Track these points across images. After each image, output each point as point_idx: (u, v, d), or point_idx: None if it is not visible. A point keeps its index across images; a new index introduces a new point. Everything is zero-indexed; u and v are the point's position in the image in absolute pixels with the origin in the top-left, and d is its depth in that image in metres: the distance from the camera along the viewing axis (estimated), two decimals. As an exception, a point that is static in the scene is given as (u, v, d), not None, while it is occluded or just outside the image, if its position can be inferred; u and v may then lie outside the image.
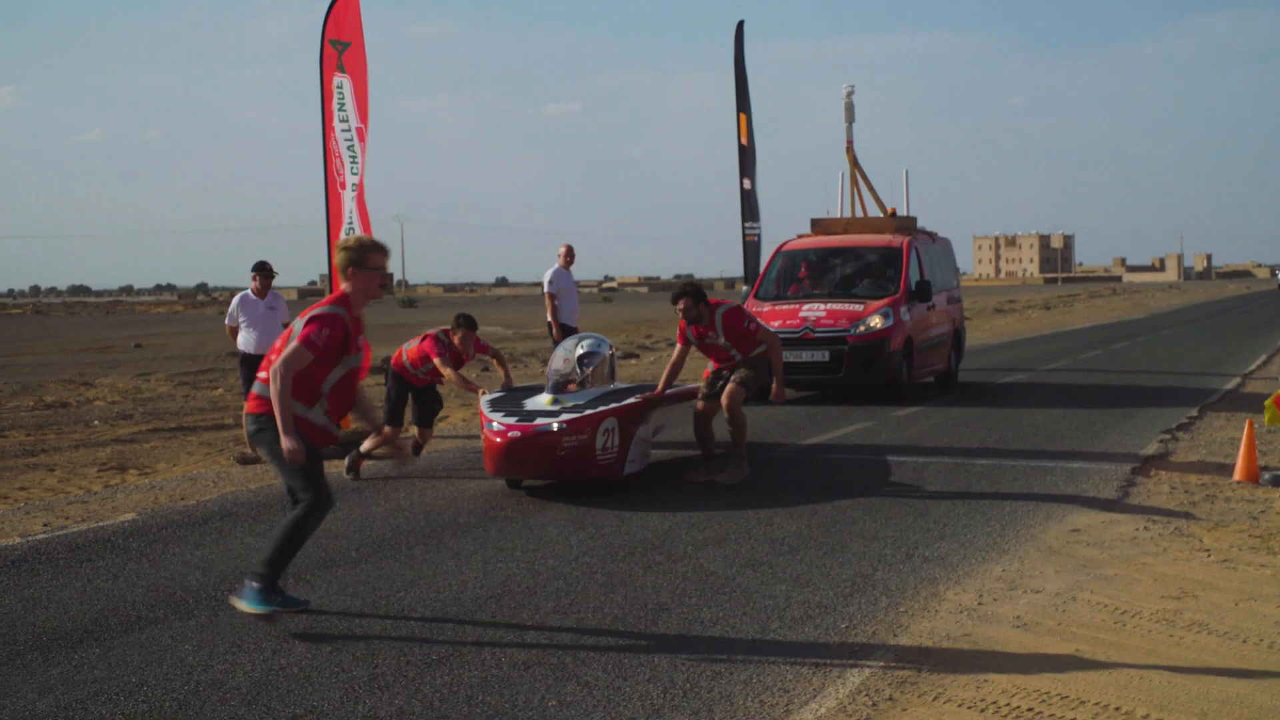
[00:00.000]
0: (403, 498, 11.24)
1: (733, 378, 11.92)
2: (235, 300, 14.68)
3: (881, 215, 22.79)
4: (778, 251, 20.97)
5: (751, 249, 24.34)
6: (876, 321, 18.20)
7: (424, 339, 12.26)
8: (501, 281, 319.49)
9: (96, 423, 18.65)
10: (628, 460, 11.43)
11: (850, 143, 23.91)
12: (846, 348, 18.02)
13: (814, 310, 18.59)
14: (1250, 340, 33.20)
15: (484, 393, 12.27)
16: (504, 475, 11.21)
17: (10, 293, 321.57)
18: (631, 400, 11.55)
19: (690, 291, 12.00)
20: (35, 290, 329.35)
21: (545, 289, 17.02)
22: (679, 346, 12.11)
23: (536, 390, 12.36)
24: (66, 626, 7.27)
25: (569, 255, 17.14)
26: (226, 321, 14.74)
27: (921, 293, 19.28)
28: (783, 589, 7.90)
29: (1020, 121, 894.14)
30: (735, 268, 20.37)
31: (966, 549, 8.96)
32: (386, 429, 11.40)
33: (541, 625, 7.18)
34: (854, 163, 23.94)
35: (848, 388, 18.46)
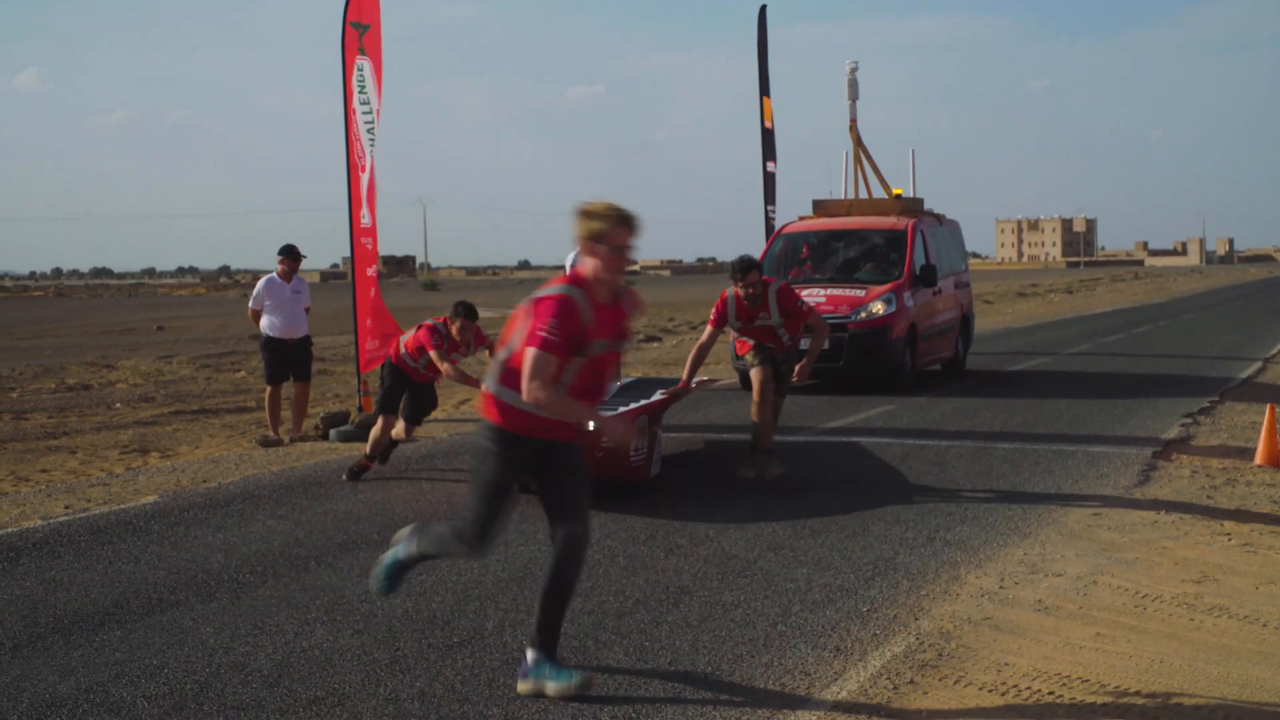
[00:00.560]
0: (425, 480, 11.25)
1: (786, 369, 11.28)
2: (261, 283, 14.47)
3: (886, 197, 21.97)
4: (778, 234, 20.35)
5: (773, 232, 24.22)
6: (879, 307, 17.55)
7: (419, 328, 11.19)
8: (524, 264, 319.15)
9: (118, 405, 18.73)
10: (653, 461, 10.83)
11: (854, 121, 23.20)
12: (847, 335, 17.28)
13: (813, 295, 17.33)
14: (1273, 324, 33.04)
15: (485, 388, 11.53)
16: None
17: (32, 275, 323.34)
18: (660, 396, 10.97)
19: (759, 265, 11.07)
20: (57, 272, 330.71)
21: (567, 271, 16.95)
22: (709, 329, 11.02)
23: None
24: (88, 609, 7.30)
25: None
26: (251, 304, 14.52)
27: (926, 277, 18.44)
28: (804, 572, 7.89)
29: (1044, 105, 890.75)
30: (758, 251, 19.79)
31: (988, 532, 8.94)
32: (381, 420, 11.20)
33: (562, 608, 7.18)
34: (858, 142, 23.25)
35: (848, 377, 17.64)
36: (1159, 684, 5.82)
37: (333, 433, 14.04)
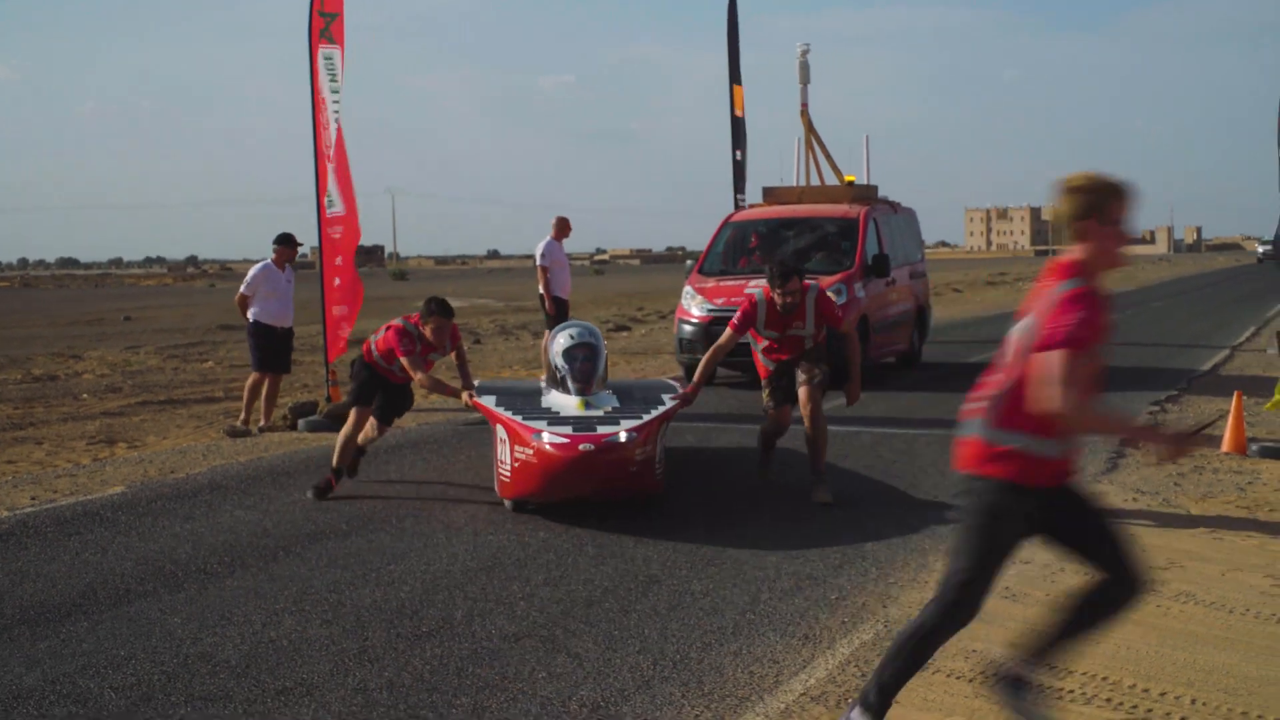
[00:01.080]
0: (393, 470, 11.22)
1: (804, 378, 10.03)
2: (258, 269, 14.29)
3: (839, 184, 20.96)
4: (725, 223, 19.44)
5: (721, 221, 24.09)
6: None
7: (388, 330, 10.10)
8: (493, 254, 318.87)
9: (85, 396, 18.61)
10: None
11: (805, 106, 22.39)
12: None
13: (760, 287, 16.50)
14: (1239, 312, 33.25)
15: (470, 396, 10.08)
16: (555, 496, 9.16)
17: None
18: (674, 403, 10.00)
19: (801, 271, 9.94)
20: (23, 263, 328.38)
21: (537, 261, 16.89)
22: (729, 333, 9.90)
23: (532, 390, 10.83)
24: (54, 600, 7.26)
25: (563, 227, 16.93)
26: (242, 289, 14.28)
27: (879, 267, 17.53)
28: (773, 560, 7.91)
29: (1015, 95, 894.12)
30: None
31: (956, 520, 8.95)
32: (353, 414, 10.30)
33: (531, 597, 7.18)
34: (809, 127, 22.42)
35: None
36: (1125, 670, 5.85)
37: (301, 423, 13.99)
